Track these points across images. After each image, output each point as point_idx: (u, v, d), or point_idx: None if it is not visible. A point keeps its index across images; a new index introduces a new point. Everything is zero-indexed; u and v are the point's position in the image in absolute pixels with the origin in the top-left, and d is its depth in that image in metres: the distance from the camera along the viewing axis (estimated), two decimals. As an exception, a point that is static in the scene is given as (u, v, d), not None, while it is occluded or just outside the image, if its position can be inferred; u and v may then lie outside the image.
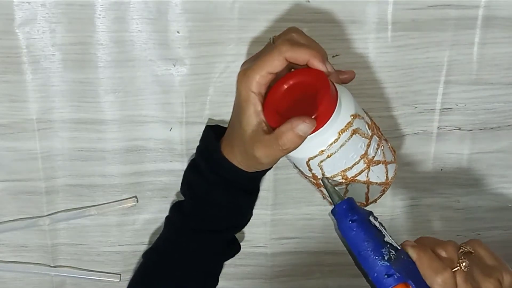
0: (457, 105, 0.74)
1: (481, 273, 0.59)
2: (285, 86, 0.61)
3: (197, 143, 0.70)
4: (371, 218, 0.60)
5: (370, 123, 0.63)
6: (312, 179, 0.64)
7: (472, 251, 0.60)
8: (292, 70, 0.62)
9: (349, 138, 0.60)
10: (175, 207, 0.72)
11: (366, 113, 0.64)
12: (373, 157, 0.63)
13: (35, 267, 0.77)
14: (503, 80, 0.74)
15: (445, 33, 0.71)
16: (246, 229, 0.75)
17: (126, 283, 0.75)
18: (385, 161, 0.64)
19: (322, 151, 0.61)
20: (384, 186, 0.66)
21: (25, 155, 0.71)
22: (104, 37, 0.67)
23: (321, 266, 0.81)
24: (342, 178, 0.63)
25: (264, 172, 0.69)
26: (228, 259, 0.74)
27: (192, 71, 0.69)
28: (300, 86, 0.60)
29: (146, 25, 0.67)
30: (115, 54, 0.68)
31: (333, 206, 0.61)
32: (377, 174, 0.64)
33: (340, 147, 0.60)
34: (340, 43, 0.70)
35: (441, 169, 0.78)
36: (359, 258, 0.58)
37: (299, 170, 0.65)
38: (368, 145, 0.62)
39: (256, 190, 0.72)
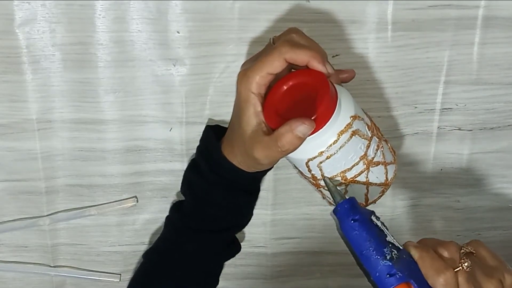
0: (457, 105, 0.74)
1: (483, 273, 0.59)
2: (285, 87, 0.61)
3: (197, 143, 0.70)
4: (373, 218, 0.60)
5: (370, 124, 0.63)
6: (311, 180, 0.64)
7: (474, 252, 0.60)
8: (292, 70, 0.62)
9: (348, 140, 0.60)
10: (175, 207, 0.72)
11: (366, 114, 0.64)
12: (373, 158, 0.63)
13: (35, 267, 0.77)
14: (503, 80, 0.74)
15: (445, 33, 0.71)
16: (246, 229, 0.75)
17: (126, 283, 0.75)
18: (384, 162, 0.64)
19: (321, 152, 0.61)
20: (384, 187, 0.66)
21: (25, 155, 0.71)
22: (104, 37, 0.67)
23: (321, 266, 0.81)
24: (342, 179, 0.62)
25: (264, 172, 0.69)
26: (228, 259, 0.74)
27: (192, 71, 0.69)
28: (300, 87, 0.60)
29: (146, 25, 0.67)
30: (115, 54, 0.68)
31: (334, 206, 0.61)
32: (377, 175, 0.64)
33: (340, 148, 0.60)
34: (340, 43, 0.70)
35: (441, 169, 0.78)
36: (361, 257, 0.58)
37: (299, 170, 0.65)
38: (368, 146, 0.62)
39: (257, 190, 0.72)
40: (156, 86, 0.70)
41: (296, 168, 0.66)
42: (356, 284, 0.81)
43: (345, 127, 0.60)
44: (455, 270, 0.58)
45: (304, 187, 0.75)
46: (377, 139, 0.63)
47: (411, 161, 0.77)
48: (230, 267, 0.78)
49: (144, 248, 0.77)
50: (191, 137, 0.72)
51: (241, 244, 0.75)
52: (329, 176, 0.62)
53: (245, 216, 0.72)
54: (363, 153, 0.62)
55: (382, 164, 0.64)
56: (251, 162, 0.63)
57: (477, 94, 0.74)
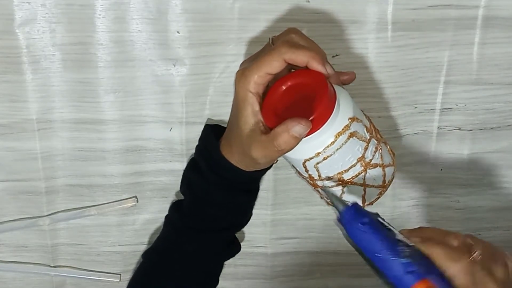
0: (457, 105, 0.74)
1: (489, 259, 0.59)
2: (284, 87, 0.61)
3: (197, 143, 0.70)
4: (379, 219, 0.60)
5: (368, 126, 0.63)
6: (308, 180, 0.64)
7: (472, 243, 0.61)
8: (292, 70, 0.62)
9: (346, 141, 0.60)
10: (175, 207, 0.72)
11: (365, 115, 0.64)
12: (371, 160, 0.63)
13: (35, 267, 0.77)
14: (503, 80, 0.74)
15: (445, 33, 0.71)
16: (246, 229, 0.75)
17: (126, 283, 0.76)
18: (382, 164, 0.64)
19: (318, 153, 0.61)
20: (381, 189, 0.65)
21: (25, 155, 0.71)
22: (104, 37, 0.67)
23: (321, 266, 0.81)
24: (339, 180, 0.62)
25: (263, 171, 0.69)
26: (228, 259, 0.74)
27: (192, 71, 0.69)
28: (299, 88, 0.60)
29: (146, 25, 0.67)
30: (115, 54, 0.68)
31: (332, 206, 0.61)
32: (374, 177, 0.64)
33: (337, 149, 0.60)
34: (340, 43, 0.70)
35: (441, 169, 0.78)
36: (375, 259, 0.57)
37: (297, 170, 0.65)
38: (366, 148, 0.62)
39: (256, 190, 0.72)
40: (156, 86, 0.70)
41: (294, 168, 0.66)
42: (356, 284, 0.82)
43: (343, 129, 0.60)
44: (470, 258, 0.58)
45: (304, 187, 0.75)
46: (375, 141, 0.63)
47: (411, 161, 0.77)
48: (230, 267, 0.78)
49: (144, 248, 0.77)
50: (191, 137, 0.72)
51: (241, 244, 0.75)
52: (326, 177, 0.62)
53: (245, 215, 0.72)
54: (360, 155, 0.62)
55: (380, 166, 0.64)
56: (249, 162, 0.63)
57: (477, 94, 0.74)
